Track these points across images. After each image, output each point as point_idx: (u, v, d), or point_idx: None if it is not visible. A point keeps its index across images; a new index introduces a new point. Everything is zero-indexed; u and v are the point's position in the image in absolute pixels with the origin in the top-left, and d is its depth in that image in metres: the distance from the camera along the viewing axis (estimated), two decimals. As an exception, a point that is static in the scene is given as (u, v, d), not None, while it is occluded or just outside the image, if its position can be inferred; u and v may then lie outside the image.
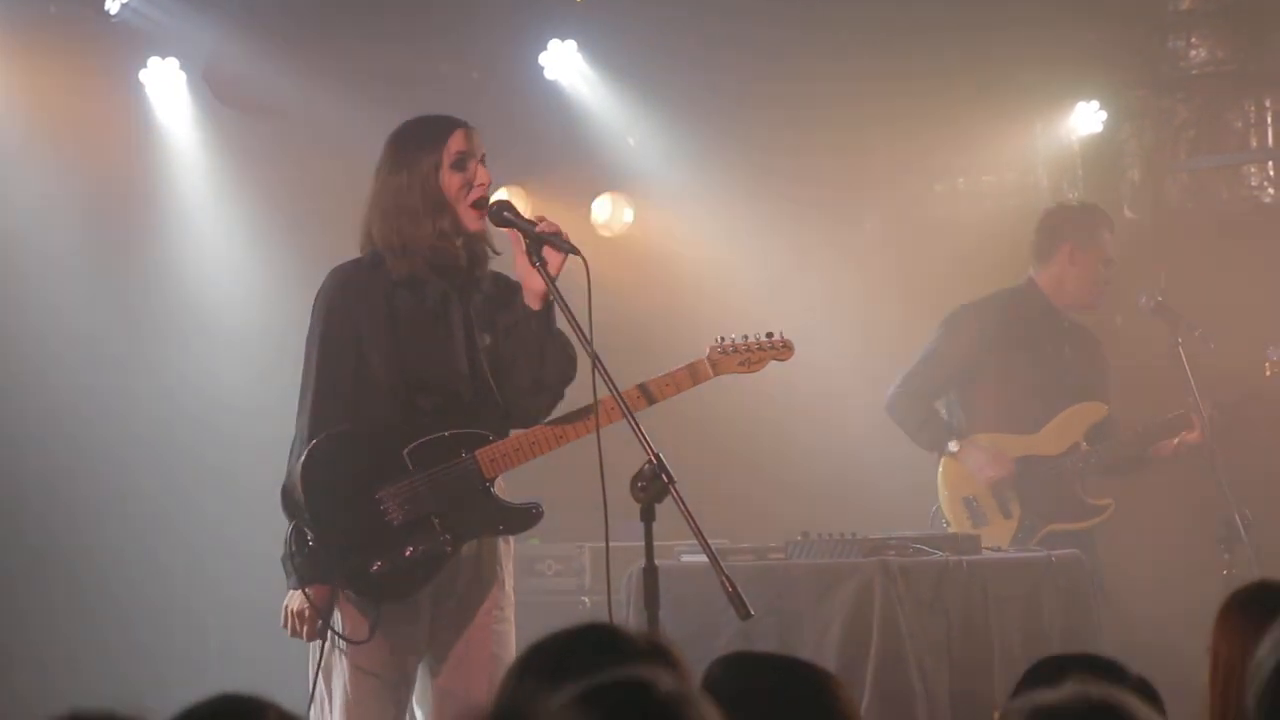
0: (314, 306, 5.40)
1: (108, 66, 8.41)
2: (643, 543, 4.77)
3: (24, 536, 8.21)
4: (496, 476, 5.31)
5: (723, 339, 5.43)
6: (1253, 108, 9.60)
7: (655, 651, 2.48)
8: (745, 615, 4.81)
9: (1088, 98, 9.53)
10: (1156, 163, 9.71)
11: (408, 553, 5.22)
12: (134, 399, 8.47)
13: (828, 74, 9.25)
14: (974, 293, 8.28)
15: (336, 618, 5.24)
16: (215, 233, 8.81)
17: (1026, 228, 9.55)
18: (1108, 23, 9.33)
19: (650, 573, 4.79)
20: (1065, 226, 8.05)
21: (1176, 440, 7.86)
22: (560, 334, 5.29)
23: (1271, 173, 9.54)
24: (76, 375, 8.31)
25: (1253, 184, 9.62)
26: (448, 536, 5.24)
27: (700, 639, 5.98)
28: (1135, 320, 8.67)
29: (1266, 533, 7.57)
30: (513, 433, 5.36)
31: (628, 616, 5.98)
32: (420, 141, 5.33)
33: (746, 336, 5.45)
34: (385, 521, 5.21)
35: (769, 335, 5.47)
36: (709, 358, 5.41)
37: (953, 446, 7.80)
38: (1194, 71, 9.58)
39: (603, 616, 4.99)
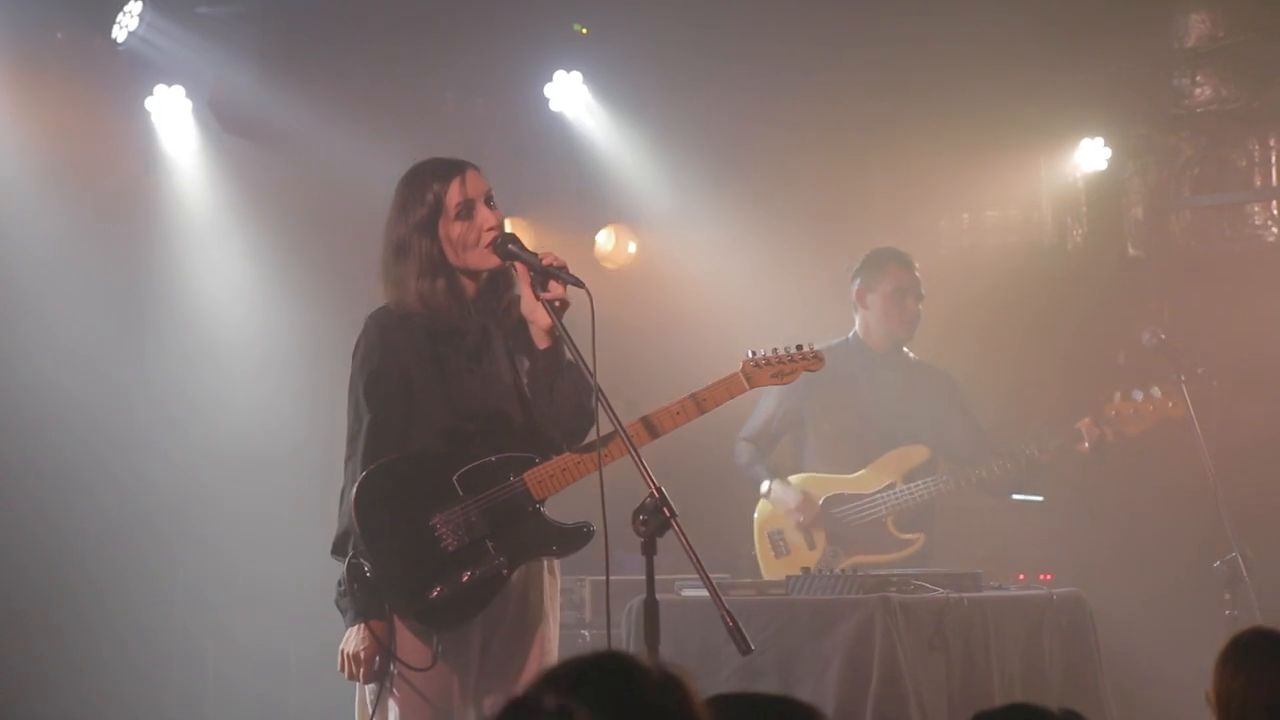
0: (355, 355, 5.39)
1: (114, 93, 8.43)
2: (643, 576, 4.76)
3: (24, 561, 8.20)
4: (546, 498, 5.33)
5: (754, 353, 5.49)
6: (1257, 146, 9.60)
7: (670, 681, 2.47)
8: (746, 650, 4.81)
9: (1092, 135, 9.55)
10: (1160, 200, 9.71)
11: (465, 578, 5.22)
12: (137, 423, 8.47)
13: (833, 108, 9.27)
14: (976, 325, 8.29)
15: (396, 648, 5.23)
16: (219, 258, 8.81)
17: (1031, 263, 9.58)
18: (1113, 60, 9.34)
19: (651, 606, 4.78)
20: (854, 277, 8.25)
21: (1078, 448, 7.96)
22: (572, 368, 5.29)
23: (1275, 211, 9.54)
24: (80, 400, 8.31)
25: (1256, 223, 9.62)
26: (503, 559, 5.25)
27: (700, 674, 5.94)
28: (1138, 357, 8.67)
29: (1268, 573, 7.56)
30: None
31: (628, 650, 5.97)
32: (418, 196, 5.32)
33: (777, 349, 5.51)
34: (441, 548, 5.20)
35: (799, 347, 5.53)
36: (743, 371, 5.46)
37: (763, 488, 8.06)
38: (1199, 110, 9.59)
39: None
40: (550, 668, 2.51)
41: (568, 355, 5.26)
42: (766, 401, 8.19)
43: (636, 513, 4.77)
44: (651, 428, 5.31)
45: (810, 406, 8.14)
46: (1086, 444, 7.90)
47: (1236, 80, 9.49)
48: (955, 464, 8.05)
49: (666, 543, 4.80)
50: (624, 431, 5.01)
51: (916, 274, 8.19)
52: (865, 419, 8.09)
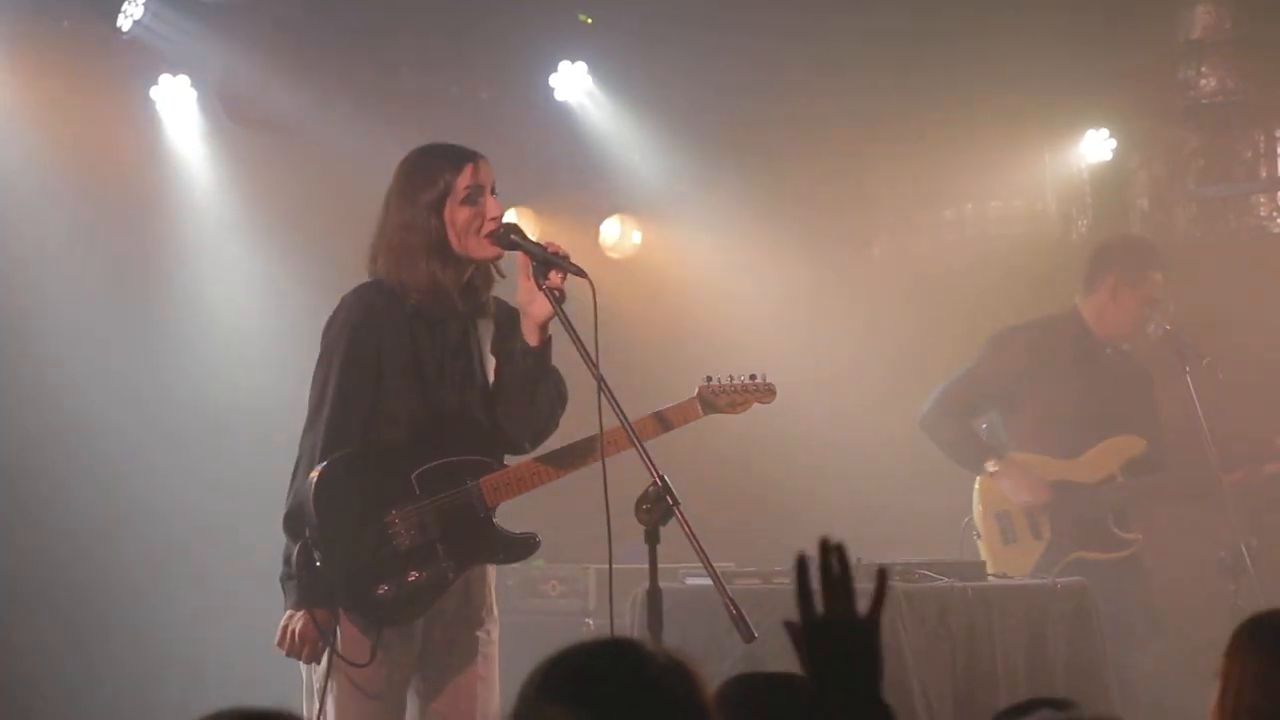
0: (330, 327, 5.36)
1: (119, 82, 8.43)
2: (647, 565, 4.77)
3: (26, 549, 8.21)
4: (497, 505, 5.31)
5: (710, 379, 5.46)
6: (1262, 137, 9.60)
7: (677, 667, 2.48)
8: (749, 638, 4.81)
9: (1097, 126, 9.54)
10: (1165, 191, 9.71)
11: (411, 578, 5.21)
12: (141, 412, 8.47)
13: (838, 99, 9.26)
14: (980, 317, 8.28)
15: (338, 639, 5.23)
16: (224, 247, 8.82)
17: (1035, 254, 9.56)
18: (1118, 51, 9.33)
19: (654, 595, 4.79)
20: (1113, 262, 8.05)
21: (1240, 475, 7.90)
22: (554, 371, 5.29)
23: (1280, 202, 9.55)
24: (84, 389, 8.31)
25: (1261, 213, 9.62)
26: (450, 564, 5.24)
27: (704, 662, 5.94)
28: (1143, 348, 8.67)
29: (1273, 563, 7.55)
30: (518, 460, 5.37)
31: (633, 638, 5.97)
32: (427, 178, 5.29)
33: (732, 377, 5.48)
34: (392, 545, 5.20)
35: (752, 377, 5.51)
36: (700, 397, 5.44)
37: (990, 466, 7.82)
38: (1204, 101, 9.58)
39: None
40: (559, 654, 2.51)
41: (552, 359, 5.26)
42: (980, 371, 7.94)
43: (640, 501, 4.78)
44: (663, 421, 5.32)
45: (1026, 381, 7.91)
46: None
47: (1242, 72, 9.49)
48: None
49: (670, 531, 4.81)
50: (626, 420, 5.01)
51: None
52: (1080, 402, 7.89)
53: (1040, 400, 7.92)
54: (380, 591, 5.18)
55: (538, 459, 5.32)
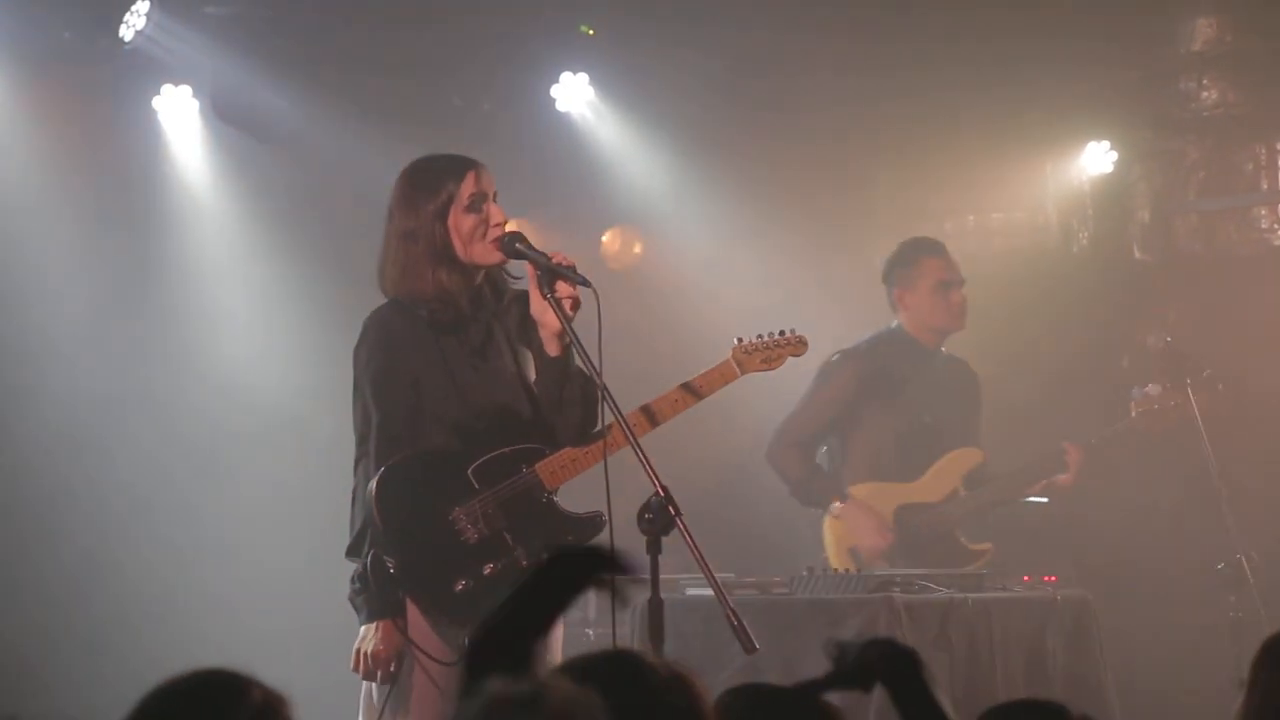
0: (358, 355, 5.38)
1: (121, 92, 8.45)
2: (649, 575, 4.77)
3: (29, 550, 8.22)
4: (558, 488, 5.34)
5: (741, 340, 5.52)
6: (1263, 150, 9.60)
7: (677, 679, 2.49)
8: (750, 650, 4.81)
9: (1098, 138, 9.54)
10: (1166, 204, 9.71)
11: (487, 570, 5.22)
12: (145, 420, 8.49)
13: (839, 110, 9.27)
14: (981, 329, 8.28)
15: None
16: (226, 256, 8.83)
17: (1035, 266, 9.57)
18: (1119, 64, 9.34)
19: (656, 606, 4.79)
20: (889, 274, 8.06)
21: (1044, 482, 7.87)
22: (578, 373, 5.30)
23: (1281, 215, 9.55)
24: (87, 395, 8.33)
25: (1262, 226, 9.62)
26: (521, 550, 5.26)
27: (705, 673, 5.95)
28: (1143, 361, 8.67)
29: (1273, 575, 7.55)
30: None
31: (634, 649, 5.97)
32: (431, 187, 5.33)
33: (762, 335, 5.53)
34: (461, 541, 5.22)
35: (782, 333, 5.56)
36: (734, 358, 5.48)
37: (835, 509, 7.77)
38: (1205, 113, 9.58)
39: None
40: (561, 664, 2.51)
41: (576, 362, 5.27)
42: (816, 399, 7.91)
43: (642, 511, 4.78)
44: (650, 416, 5.33)
45: (865, 405, 7.88)
46: (1071, 474, 7.83)
47: (1243, 84, 9.49)
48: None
49: (672, 541, 4.81)
50: (630, 432, 5.02)
51: (952, 258, 8.01)
52: (916, 419, 7.89)
53: (876, 422, 7.89)
54: (459, 588, 5.20)
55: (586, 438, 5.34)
